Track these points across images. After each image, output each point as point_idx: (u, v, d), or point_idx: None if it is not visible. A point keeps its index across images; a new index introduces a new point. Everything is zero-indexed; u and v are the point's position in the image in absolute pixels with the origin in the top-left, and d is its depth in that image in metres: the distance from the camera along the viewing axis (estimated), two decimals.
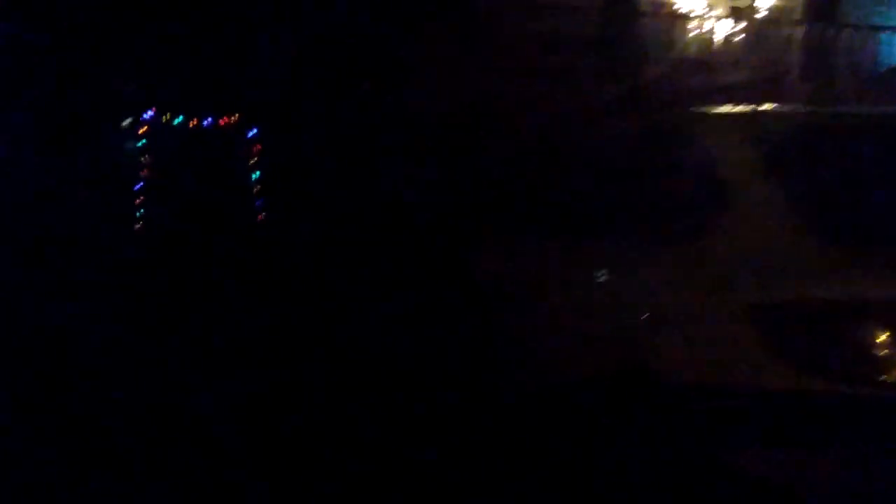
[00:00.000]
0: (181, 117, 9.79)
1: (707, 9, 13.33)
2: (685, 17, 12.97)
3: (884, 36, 12.52)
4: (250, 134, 9.91)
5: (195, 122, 9.79)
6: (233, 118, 9.84)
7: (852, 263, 3.56)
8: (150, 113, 9.79)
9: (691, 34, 12.81)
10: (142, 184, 9.78)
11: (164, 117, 9.83)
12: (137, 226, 9.88)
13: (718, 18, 13.12)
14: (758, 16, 12.87)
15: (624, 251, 4.50)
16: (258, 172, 9.85)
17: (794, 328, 3.47)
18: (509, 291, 5.49)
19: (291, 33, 11.31)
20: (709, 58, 12.54)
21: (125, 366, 6.30)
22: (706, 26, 12.96)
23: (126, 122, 10.16)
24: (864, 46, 12.61)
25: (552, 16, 12.06)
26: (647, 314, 4.13)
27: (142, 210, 9.76)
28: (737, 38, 12.76)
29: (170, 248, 9.43)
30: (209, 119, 9.80)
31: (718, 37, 13.01)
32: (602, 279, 4.68)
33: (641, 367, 4.03)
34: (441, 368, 5.73)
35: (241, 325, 7.09)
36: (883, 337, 3.39)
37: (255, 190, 9.96)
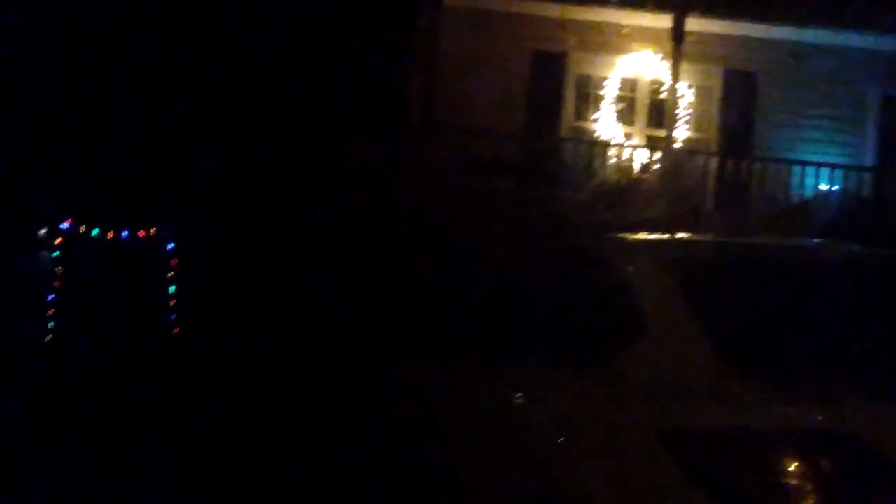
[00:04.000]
0: (98, 229, 9.68)
1: (625, 138, 13.63)
2: (604, 145, 13.25)
3: (796, 168, 12.87)
4: (168, 247, 9.82)
5: (112, 235, 9.68)
6: (151, 231, 9.76)
7: (766, 391, 3.58)
8: (66, 224, 9.67)
9: (610, 162, 13.07)
10: (54, 295, 9.60)
11: (80, 228, 9.71)
12: (48, 337, 9.68)
13: (636, 147, 13.42)
14: (674, 146, 13.17)
15: (539, 375, 4.49)
16: (174, 286, 9.74)
17: (708, 456, 3.46)
18: (425, 410, 5.45)
19: (216, 151, 11.34)
20: (626, 185, 12.78)
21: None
22: (624, 155, 13.23)
23: (41, 233, 10.03)
24: (777, 179, 12.95)
25: (475, 141, 12.25)
26: (562, 439, 4.10)
27: (52, 322, 9.57)
28: (654, 168, 13.04)
29: (81, 361, 9.23)
30: (126, 231, 9.70)
31: (636, 165, 13.28)
32: (517, 402, 4.66)
33: (554, 493, 3.99)
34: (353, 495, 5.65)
35: (148, 446, 6.93)
36: (797, 466, 3.39)
37: (171, 304, 9.83)
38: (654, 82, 13.61)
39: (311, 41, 12.18)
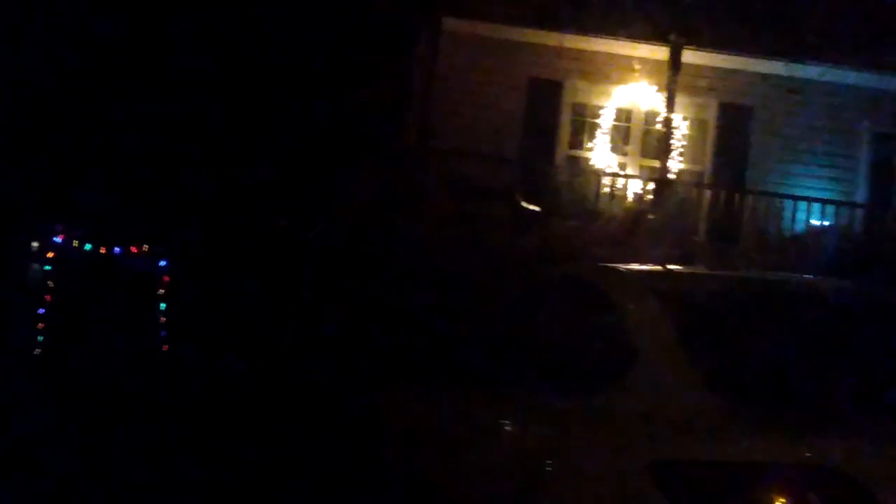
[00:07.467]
0: (90, 244, 9.66)
1: (619, 168, 13.67)
2: (598, 174, 13.28)
3: (788, 203, 12.91)
4: (160, 264, 9.80)
5: (104, 250, 9.66)
6: (143, 248, 9.74)
7: (755, 424, 3.59)
8: (58, 238, 9.65)
9: (603, 191, 13.09)
10: (44, 310, 9.57)
11: (73, 242, 9.69)
12: (37, 351, 9.65)
13: (629, 177, 13.45)
14: (668, 177, 13.22)
15: (529, 402, 4.50)
16: (164, 304, 9.72)
17: (696, 488, 3.47)
18: (415, 436, 5.45)
19: (212, 169, 11.35)
20: (619, 215, 12.80)
21: None
22: (618, 184, 13.26)
23: (33, 246, 10.00)
24: (769, 213, 12.99)
25: (471, 165, 12.27)
26: (550, 467, 4.11)
27: (42, 336, 9.54)
28: (647, 198, 13.06)
29: (71, 376, 9.21)
30: (118, 247, 9.68)
31: (629, 195, 13.31)
32: (507, 429, 4.67)
33: None
34: None
35: (138, 462, 6.92)
36: (783, 501, 3.40)
37: (161, 321, 9.81)
38: (649, 113, 13.67)
39: (308, 65, 12.23)
